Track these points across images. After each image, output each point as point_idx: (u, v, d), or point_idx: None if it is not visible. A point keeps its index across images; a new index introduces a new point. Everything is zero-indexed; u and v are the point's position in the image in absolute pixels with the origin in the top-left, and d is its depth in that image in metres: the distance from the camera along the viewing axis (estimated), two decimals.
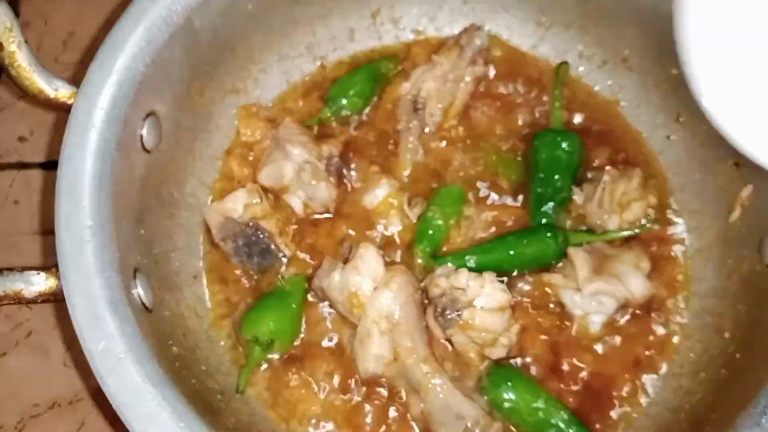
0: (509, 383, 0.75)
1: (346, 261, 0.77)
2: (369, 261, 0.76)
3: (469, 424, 0.74)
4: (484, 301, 0.75)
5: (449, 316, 0.75)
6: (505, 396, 0.74)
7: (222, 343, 0.80)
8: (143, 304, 0.68)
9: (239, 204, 0.79)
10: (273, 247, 0.80)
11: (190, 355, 0.73)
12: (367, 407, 0.77)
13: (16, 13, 0.70)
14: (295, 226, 0.83)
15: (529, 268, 0.80)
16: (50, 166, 1.00)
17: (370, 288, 0.75)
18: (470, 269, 0.77)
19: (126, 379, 0.59)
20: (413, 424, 0.76)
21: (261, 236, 0.80)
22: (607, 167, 0.84)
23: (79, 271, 0.62)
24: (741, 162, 0.79)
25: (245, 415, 0.75)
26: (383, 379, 0.76)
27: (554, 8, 0.90)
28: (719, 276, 0.80)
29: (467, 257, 0.80)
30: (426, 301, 0.78)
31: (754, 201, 0.78)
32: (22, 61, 0.68)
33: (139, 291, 0.68)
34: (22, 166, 1.01)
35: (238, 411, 0.75)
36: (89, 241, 0.63)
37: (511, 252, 0.79)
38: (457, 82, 0.87)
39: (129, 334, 0.61)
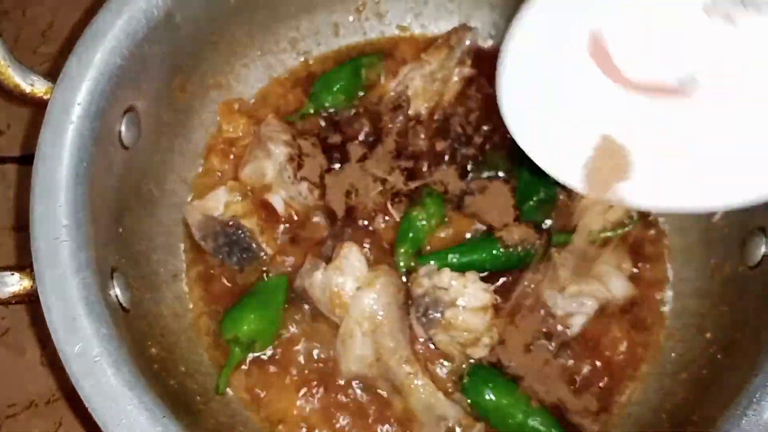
0: (490, 384, 0.74)
1: (329, 260, 0.77)
2: (352, 261, 0.75)
3: (450, 425, 0.74)
4: (466, 300, 0.74)
5: (431, 316, 0.75)
6: (486, 397, 0.74)
7: (202, 343, 0.79)
8: (120, 304, 0.67)
9: (220, 202, 0.79)
10: (254, 245, 0.80)
11: (169, 356, 0.72)
12: (349, 408, 0.76)
13: None
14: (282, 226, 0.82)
15: (513, 268, 0.80)
16: (26, 160, 0.99)
17: (353, 288, 0.74)
18: (453, 269, 0.76)
19: (102, 382, 0.58)
20: (395, 424, 0.75)
21: (242, 234, 0.79)
22: None
23: (54, 271, 0.61)
24: None
25: (225, 416, 0.74)
26: (365, 380, 0.76)
27: None
28: (701, 276, 0.80)
29: (450, 256, 0.79)
30: (409, 301, 0.77)
31: None
32: None
33: (117, 291, 0.67)
34: None
35: (218, 412, 0.74)
36: (65, 241, 0.62)
37: (494, 251, 0.79)
38: (445, 82, 0.86)
39: (105, 336, 0.60)
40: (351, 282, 0.74)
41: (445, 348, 0.76)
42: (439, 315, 0.75)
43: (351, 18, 0.93)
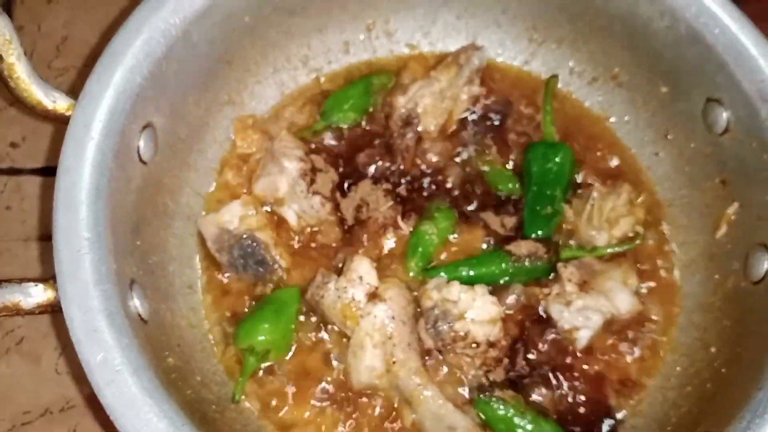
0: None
1: (339, 273, 0.78)
2: (362, 273, 0.77)
3: None
4: (475, 313, 0.76)
5: (441, 328, 0.76)
6: (495, 408, 0.75)
7: (216, 353, 0.80)
8: (139, 315, 0.69)
9: (235, 216, 0.80)
10: (268, 258, 0.81)
11: (186, 366, 0.74)
12: (358, 418, 0.77)
13: (10, 17, 0.70)
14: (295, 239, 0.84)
15: (520, 281, 0.82)
16: (43, 172, 1.00)
17: (363, 300, 0.76)
18: (462, 282, 0.78)
19: (124, 391, 0.60)
20: None
21: (256, 247, 0.81)
22: (596, 184, 0.86)
23: (76, 283, 0.63)
24: (727, 180, 0.80)
25: (239, 425, 0.75)
26: (376, 390, 0.77)
27: (546, 24, 0.92)
28: (705, 291, 0.82)
29: (460, 269, 0.81)
30: (418, 312, 0.79)
31: (740, 218, 0.79)
32: (21, 73, 0.68)
33: (136, 302, 0.69)
34: (14, 172, 1.01)
35: (233, 421, 0.75)
36: (87, 253, 0.64)
37: (503, 265, 0.81)
38: (453, 100, 0.88)
39: (126, 346, 0.61)
40: (361, 294, 0.76)
41: (455, 361, 0.77)
42: (447, 327, 0.76)
43: (361, 36, 0.95)
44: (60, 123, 0.71)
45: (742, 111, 0.76)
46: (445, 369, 0.78)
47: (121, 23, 0.74)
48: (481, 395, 0.76)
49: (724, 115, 0.78)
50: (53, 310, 0.65)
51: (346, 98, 0.90)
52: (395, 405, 0.77)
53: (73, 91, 0.72)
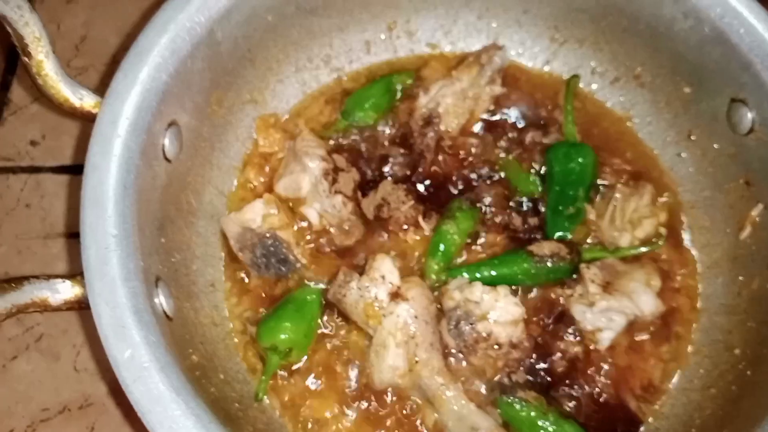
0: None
1: (361, 272, 0.78)
2: (385, 272, 0.77)
3: None
4: (497, 314, 0.76)
5: (463, 329, 0.76)
6: (517, 408, 0.75)
7: (239, 351, 0.81)
8: (165, 312, 0.69)
9: (257, 215, 0.80)
10: (291, 257, 0.81)
11: (209, 364, 0.74)
12: (381, 417, 0.77)
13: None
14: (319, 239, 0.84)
15: (543, 282, 0.81)
16: (63, 170, 1.01)
17: (386, 299, 0.75)
18: (485, 282, 0.78)
19: (151, 388, 0.60)
20: None
21: (279, 246, 0.81)
22: (618, 185, 0.85)
23: (104, 279, 0.63)
24: (751, 180, 0.80)
25: (262, 423, 0.75)
26: (398, 390, 0.77)
27: (568, 24, 0.92)
28: (729, 293, 0.81)
29: (482, 269, 0.81)
30: (440, 312, 0.79)
31: (764, 219, 0.79)
32: (50, 71, 0.69)
33: (161, 300, 0.69)
34: (34, 170, 1.01)
35: (255, 419, 0.75)
36: (114, 251, 0.64)
37: (525, 265, 0.80)
38: (475, 100, 0.88)
39: (153, 343, 0.62)
40: (384, 293, 0.76)
41: (477, 361, 0.77)
42: (470, 328, 0.76)
43: (383, 36, 0.95)
44: (86, 120, 0.71)
45: None
46: (467, 369, 0.78)
47: (141, 23, 0.74)
48: (504, 396, 0.76)
49: (749, 116, 0.78)
50: (80, 307, 0.65)
51: (367, 97, 0.90)
52: (418, 405, 0.77)
53: (97, 90, 0.72)
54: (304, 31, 0.89)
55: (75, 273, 0.65)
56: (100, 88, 0.72)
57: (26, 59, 0.69)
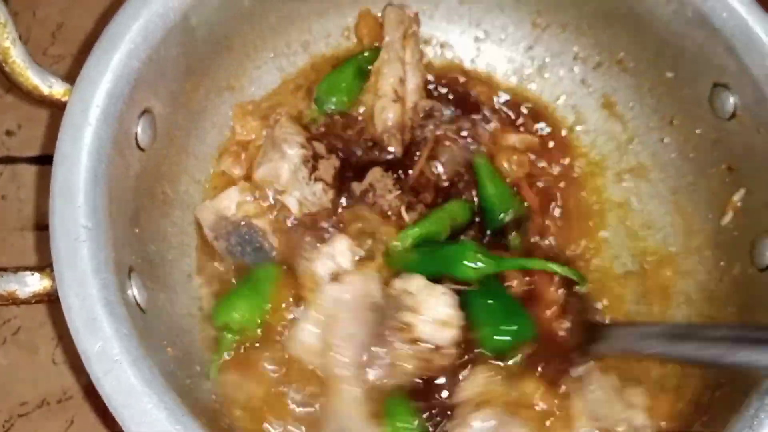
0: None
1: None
2: (337, 253, 0.76)
3: None
4: (428, 309, 0.73)
5: (388, 314, 0.74)
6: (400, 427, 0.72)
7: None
8: (138, 304, 0.68)
9: (232, 202, 0.79)
10: (266, 244, 0.80)
11: (185, 356, 0.72)
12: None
13: (5, 3, 0.68)
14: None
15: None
16: (39, 160, 0.99)
17: (326, 276, 0.75)
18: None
19: (122, 381, 0.59)
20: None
21: (254, 234, 0.80)
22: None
23: (74, 271, 0.61)
24: (734, 165, 0.79)
25: None
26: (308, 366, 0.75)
27: (551, 9, 0.91)
28: (710, 278, 0.81)
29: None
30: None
31: (746, 204, 0.78)
32: (17, 58, 0.67)
33: (134, 291, 0.68)
34: (10, 160, 1.00)
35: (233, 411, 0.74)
36: (85, 242, 0.62)
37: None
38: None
39: (125, 336, 0.60)
40: (325, 270, 0.75)
41: (392, 356, 0.74)
42: (395, 315, 0.74)
43: None
44: (56, 109, 0.70)
45: (750, 96, 0.75)
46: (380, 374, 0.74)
47: (117, 9, 0.72)
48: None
49: (731, 100, 0.77)
50: (50, 300, 0.64)
51: (338, 81, 0.89)
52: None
53: (70, 78, 0.70)
54: (282, 15, 0.88)
55: (44, 265, 0.64)
56: (76, 77, 0.70)
57: None
